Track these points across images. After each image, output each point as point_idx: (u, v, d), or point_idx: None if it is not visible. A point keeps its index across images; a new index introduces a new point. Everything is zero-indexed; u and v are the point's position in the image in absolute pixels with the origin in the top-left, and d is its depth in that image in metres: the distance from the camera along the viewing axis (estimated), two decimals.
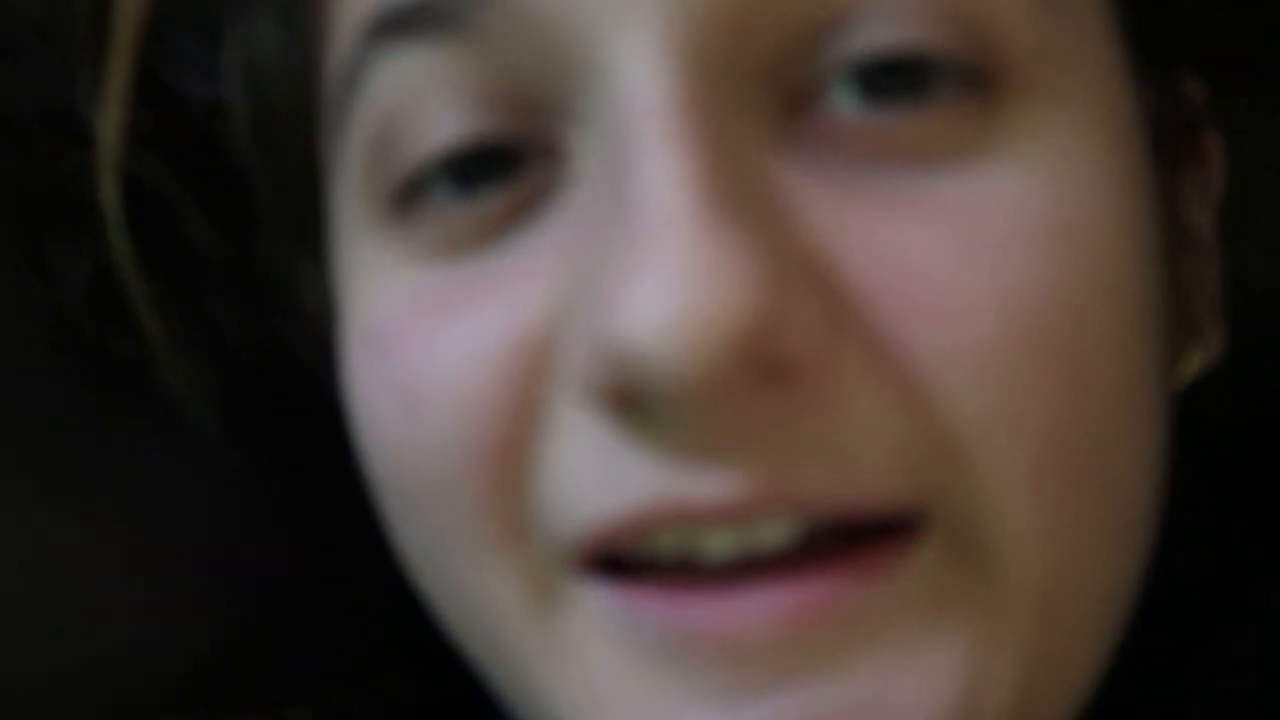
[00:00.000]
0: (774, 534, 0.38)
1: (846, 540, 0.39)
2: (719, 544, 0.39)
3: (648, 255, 0.36)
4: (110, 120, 0.48)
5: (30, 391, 0.51)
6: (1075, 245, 0.39)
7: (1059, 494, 0.39)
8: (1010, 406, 0.38)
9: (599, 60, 0.38)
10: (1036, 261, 0.38)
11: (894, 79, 0.39)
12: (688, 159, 0.37)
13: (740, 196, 0.37)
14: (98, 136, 0.49)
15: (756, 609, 0.38)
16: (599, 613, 0.40)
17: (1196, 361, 0.48)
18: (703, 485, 0.38)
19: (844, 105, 0.39)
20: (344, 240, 0.45)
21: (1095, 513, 0.40)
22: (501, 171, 0.41)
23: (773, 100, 0.39)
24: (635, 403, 0.37)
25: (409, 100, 0.41)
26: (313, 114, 0.47)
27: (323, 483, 0.51)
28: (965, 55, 0.39)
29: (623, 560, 0.40)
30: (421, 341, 0.41)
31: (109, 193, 0.49)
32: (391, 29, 0.41)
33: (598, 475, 0.39)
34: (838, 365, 0.38)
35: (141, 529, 0.51)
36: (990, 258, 0.38)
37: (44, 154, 0.50)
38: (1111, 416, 0.40)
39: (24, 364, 0.51)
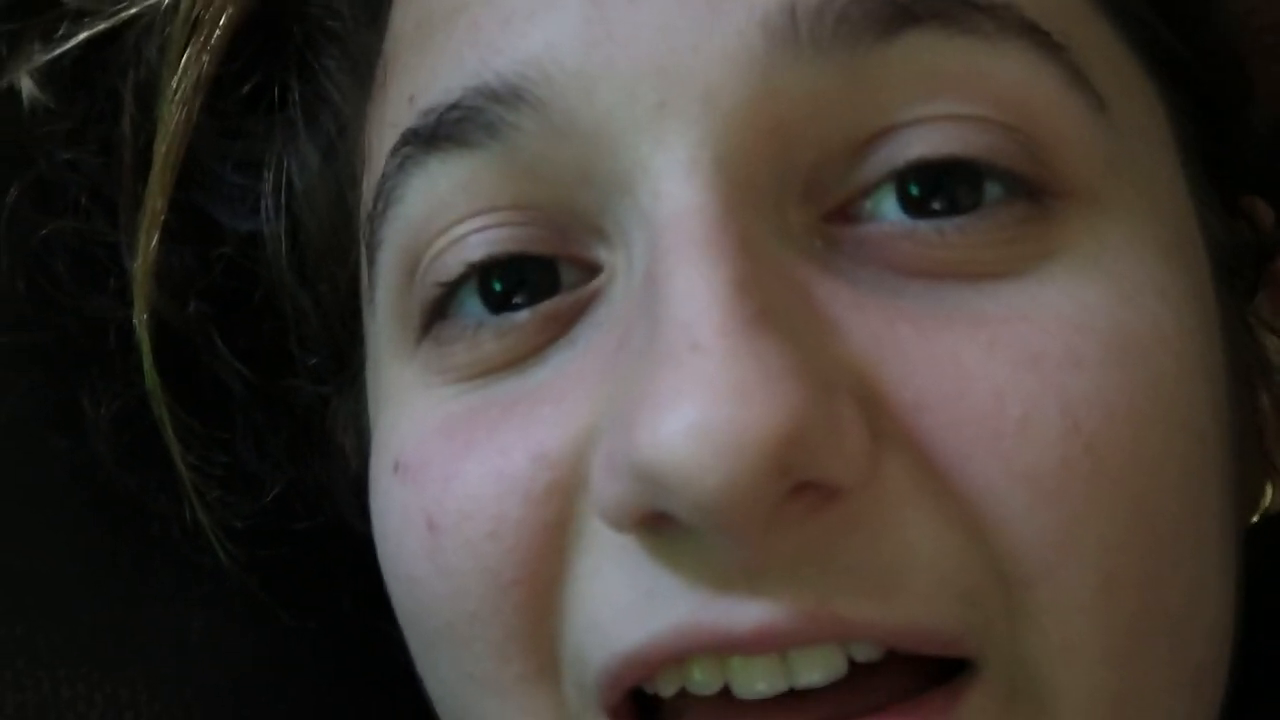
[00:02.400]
0: (811, 675, 0.36)
1: (889, 677, 0.36)
2: (756, 686, 0.36)
3: (676, 370, 0.34)
4: (145, 253, 0.48)
5: (61, 551, 0.50)
6: (1135, 363, 0.37)
7: (1121, 628, 0.36)
8: (1071, 533, 0.36)
9: (632, 170, 0.37)
10: (1096, 378, 0.36)
11: (941, 186, 0.38)
12: (718, 268, 0.35)
13: (776, 308, 0.35)
14: (132, 272, 0.48)
15: None
16: None
17: (1274, 498, 0.45)
18: (739, 612, 0.35)
19: (890, 215, 0.38)
20: (378, 366, 0.44)
21: (1159, 651, 0.37)
22: (535, 288, 0.40)
23: (814, 212, 0.38)
24: (666, 525, 0.35)
25: (439, 214, 0.40)
26: (350, 240, 0.46)
27: (347, 631, 0.50)
28: (1018, 165, 0.38)
29: (655, 694, 0.38)
30: (447, 464, 0.39)
31: (142, 327, 0.48)
32: (424, 141, 0.40)
33: (628, 600, 0.37)
34: (884, 484, 0.36)
35: (160, 693, 0.49)
36: (1047, 373, 0.36)
37: (77, 296, 0.50)
38: (1175, 544, 0.37)
39: (58, 524, 0.50)
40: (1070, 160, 0.38)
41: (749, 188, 0.37)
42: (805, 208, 0.38)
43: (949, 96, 0.37)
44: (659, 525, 0.35)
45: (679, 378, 0.34)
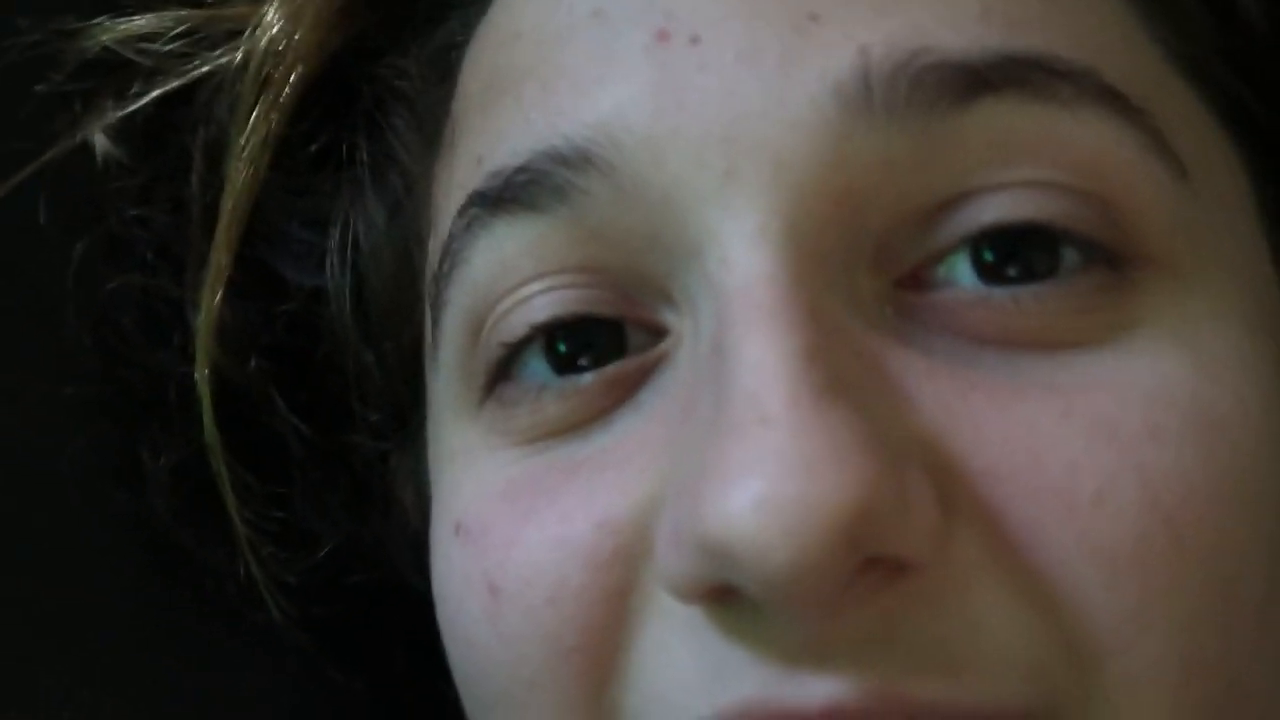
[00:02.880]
0: None
1: None
2: None
3: (742, 443, 0.34)
4: (208, 309, 0.48)
5: (121, 609, 0.50)
6: (1218, 436, 0.36)
7: (1198, 707, 0.35)
8: (1148, 609, 0.35)
9: (699, 236, 0.37)
10: (1176, 452, 0.35)
11: (1017, 252, 0.37)
12: (787, 338, 0.35)
13: (846, 377, 0.35)
14: (195, 327, 0.48)
15: None
16: None
17: None
18: (807, 690, 0.34)
19: (964, 281, 0.37)
20: (440, 426, 0.44)
21: None
22: (601, 350, 0.39)
23: (885, 277, 0.37)
24: (731, 597, 0.35)
25: (505, 274, 0.40)
26: (415, 298, 0.46)
27: (401, 691, 0.49)
28: (1096, 231, 0.37)
29: None
30: (509, 529, 0.39)
31: (203, 382, 0.48)
32: (491, 204, 0.40)
33: (692, 674, 0.36)
34: (954, 558, 0.35)
35: None
36: (1126, 446, 0.35)
37: (141, 351, 0.50)
38: (1256, 622, 0.36)
39: (118, 580, 0.50)
40: (1150, 228, 0.37)
41: (819, 256, 0.36)
42: (876, 274, 0.37)
43: (1025, 162, 0.37)
44: (726, 598, 0.35)
45: (746, 450, 0.33)
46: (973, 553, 0.35)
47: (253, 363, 0.49)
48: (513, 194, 0.39)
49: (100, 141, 0.50)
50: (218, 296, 0.48)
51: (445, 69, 0.45)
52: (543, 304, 0.39)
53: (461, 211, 0.41)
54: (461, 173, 0.42)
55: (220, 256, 0.48)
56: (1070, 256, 0.37)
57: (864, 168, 0.36)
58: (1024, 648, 0.35)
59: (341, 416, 0.50)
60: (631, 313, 0.39)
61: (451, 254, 0.41)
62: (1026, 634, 0.35)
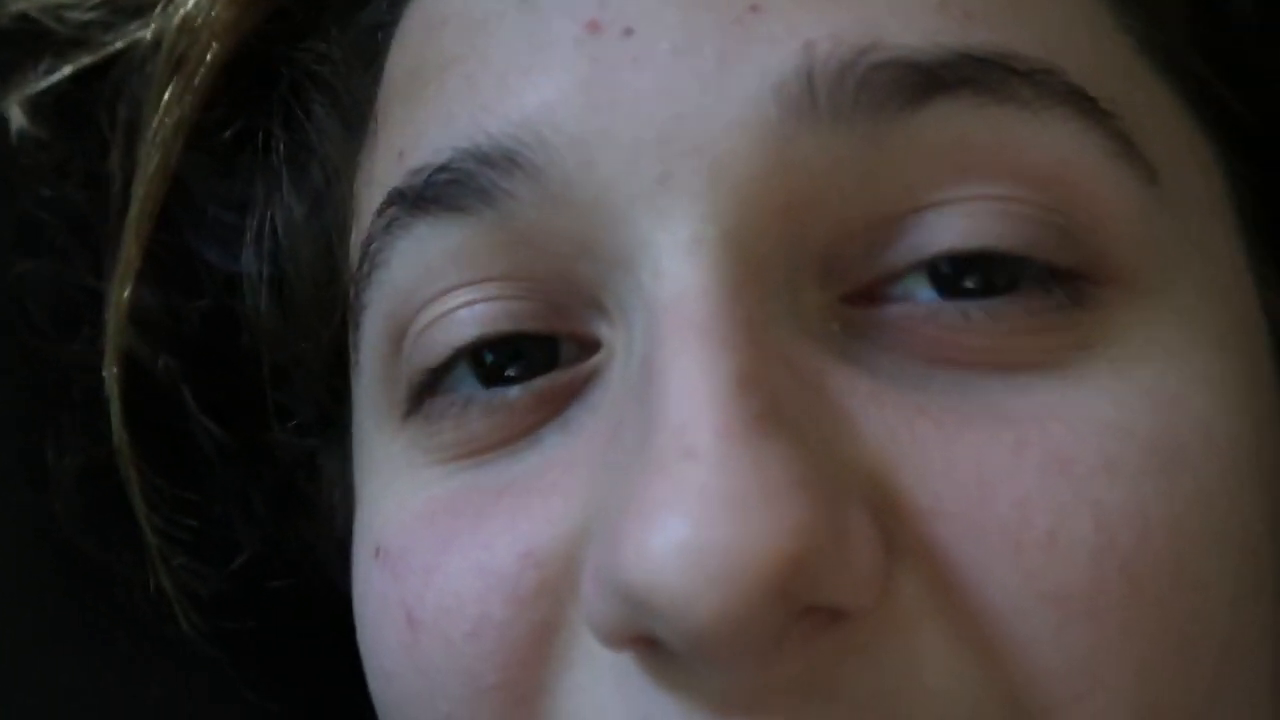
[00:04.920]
0: None
1: None
2: None
3: (665, 479, 0.31)
4: (119, 301, 0.45)
5: (20, 614, 0.47)
6: (1180, 472, 0.34)
7: None
8: (1101, 659, 0.32)
9: (631, 244, 0.34)
10: (1133, 489, 0.33)
11: (972, 275, 0.34)
12: (719, 360, 0.32)
13: (783, 405, 0.32)
14: (107, 318, 0.45)
15: None
16: None
17: None
18: None
19: (915, 298, 0.35)
20: (363, 433, 0.41)
21: None
22: (531, 362, 0.36)
23: (832, 292, 0.35)
24: (655, 645, 0.32)
25: (428, 280, 0.37)
26: (337, 295, 0.43)
27: (314, 705, 0.47)
28: (1055, 257, 0.34)
29: None
30: (429, 555, 0.36)
31: (112, 379, 0.45)
32: (411, 204, 0.37)
33: None
34: (897, 604, 0.32)
35: None
36: (1080, 483, 0.33)
37: (51, 342, 0.47)
38: (1222, 668, 0.34)
39: (20, 584, 0.47)
40: (1115, 243, 0.35)
41: (759, 268, 0.34)
42: (822, 289, 0.35)
43: (980, 173, 0.34)
44: (648, 648, 0.32)
45: (668, 487, 0.31)
46: (915, 597, 0.33)
47: (163, 359, 0.46)
48: (434, 194, 0.36)
49: (16, 115, 0.48)
50: (129, 286, 0.45)
51: (370, 54, 0.42)
52: (468, 319, 0.37)
53: (381, 210, 0.38)
54: (382, 168, 0.39)
55: (131, 244, 0.45)
56: (1029, 278, 0.34)
57: (808, 173, 0.34)
58: (968, 700, 0.33)
59: (264, 416, 0.47)
60: (563, 326, 0.36)
61: (370, 255, 0.38)
62: (971, 685, 0.33)
